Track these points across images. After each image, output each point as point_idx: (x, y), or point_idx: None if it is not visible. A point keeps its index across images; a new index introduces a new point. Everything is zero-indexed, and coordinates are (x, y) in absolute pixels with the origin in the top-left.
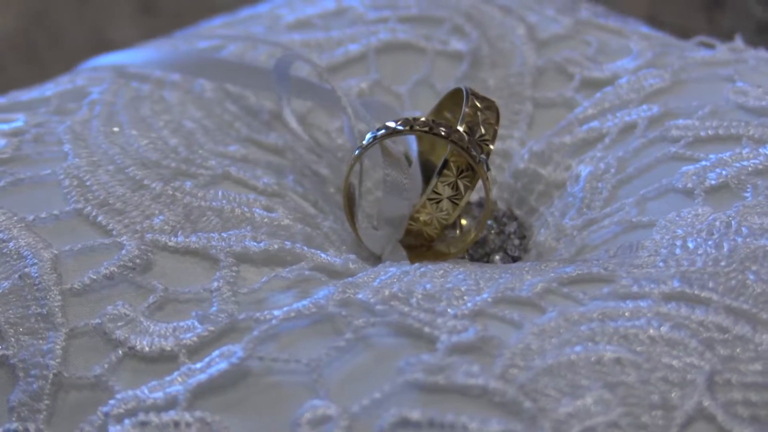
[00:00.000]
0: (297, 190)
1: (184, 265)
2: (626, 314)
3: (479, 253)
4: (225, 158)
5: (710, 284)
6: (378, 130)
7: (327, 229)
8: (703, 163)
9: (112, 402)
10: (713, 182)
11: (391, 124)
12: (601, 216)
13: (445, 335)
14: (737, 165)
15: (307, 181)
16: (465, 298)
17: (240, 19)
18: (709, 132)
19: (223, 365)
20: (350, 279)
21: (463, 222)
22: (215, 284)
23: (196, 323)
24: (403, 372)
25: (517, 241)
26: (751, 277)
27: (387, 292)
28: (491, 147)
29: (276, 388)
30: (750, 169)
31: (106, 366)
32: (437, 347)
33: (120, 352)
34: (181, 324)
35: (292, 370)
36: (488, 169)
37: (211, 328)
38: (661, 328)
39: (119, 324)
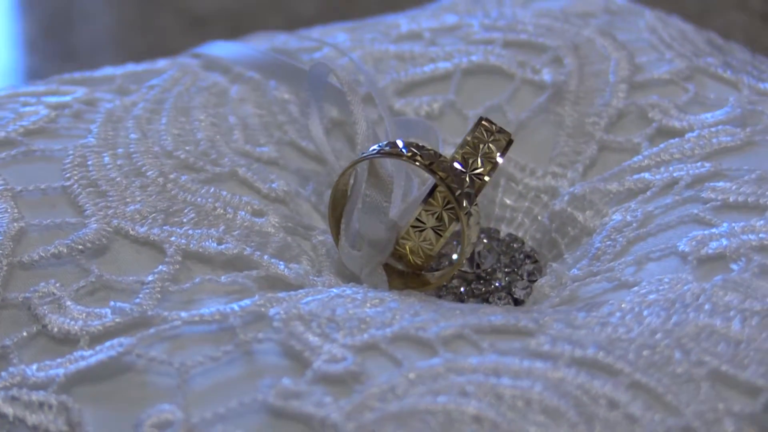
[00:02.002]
0: (310, 200)
1: (139, 256)
2: (515, 372)
3: (481, 290)
4: (244, 158)
5: (630, 356)
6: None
7: (317, 242)
8: (713, 230)
9: (3, 374)
10: (710, 251)
11: (376, 146)
12: (604, 270)
13: (319, 362)
14: (744, 237)
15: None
16: (368, 329)
17: (361, 25)
18: (739, 198)
19: (101, 356)
20: (282, 294)
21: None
22: (150, 278)
23: (109, 312)
24: (257, 392)
25: (526, 284)
26: (678, 355)
27: (295, 311)
28: (485, 180)
29: (144, 387)
30: (754, 243)
31: (15, 339)
32: (306, 373)
33: (34, 328)
34: (97, 311)
35: (164, 372)
36: (473, 203)
37: (119, 320)
38: (544, 393)
39: (45, 301)
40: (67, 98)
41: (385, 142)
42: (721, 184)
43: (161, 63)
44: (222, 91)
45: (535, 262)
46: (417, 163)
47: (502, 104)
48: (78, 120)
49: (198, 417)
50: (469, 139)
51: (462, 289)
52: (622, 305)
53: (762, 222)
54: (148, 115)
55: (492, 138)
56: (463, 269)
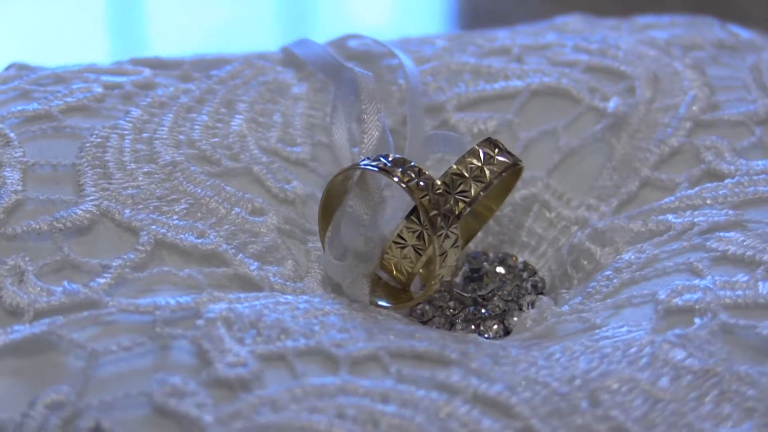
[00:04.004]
0: None
1: (119, 240)
2: (404, 401)
3: (475, 315)
4: (269, 156)
5: (536, 399)
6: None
7: (311, 247)
8: (695, 281)
9: None
10: (680, 302)
11: (366, 158)
12: (586, 309)
13: (220, 365)
14: (720, 292)
15: None
16: (285, 339)
17: (463, 35)
18: (738, 251)
19: (27, 332)
20: (233, 294)
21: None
22: (115, 262)
23: (59, 291)
24: (147, 386)
25: (520, 314)
26: (584, 404)
27: (225, 313)
28: (465, 204)
29: (58, 368)
30: (727, 300)
31: None
32: (202, 374)
33: None
34: (52, 288)
35: (79, 356)
36: (451, 225)
37: (64, 299)
38: (423, 425)
39: (11, 273)
40: (124, 79)
41: (370, 157)
42: (730, 234)
43: (234, 54)
44: (281, 87)
45: (540, 293)
46: (395, 179)
47: (559, 129)
48: (124, 101)
49: (84, 403)
50: (464, 158)
51: (454, 311)
52: (573, 348)
53: (746, 279)
54: (193, 104)
55: (490, 161)
56: (460, 292)
